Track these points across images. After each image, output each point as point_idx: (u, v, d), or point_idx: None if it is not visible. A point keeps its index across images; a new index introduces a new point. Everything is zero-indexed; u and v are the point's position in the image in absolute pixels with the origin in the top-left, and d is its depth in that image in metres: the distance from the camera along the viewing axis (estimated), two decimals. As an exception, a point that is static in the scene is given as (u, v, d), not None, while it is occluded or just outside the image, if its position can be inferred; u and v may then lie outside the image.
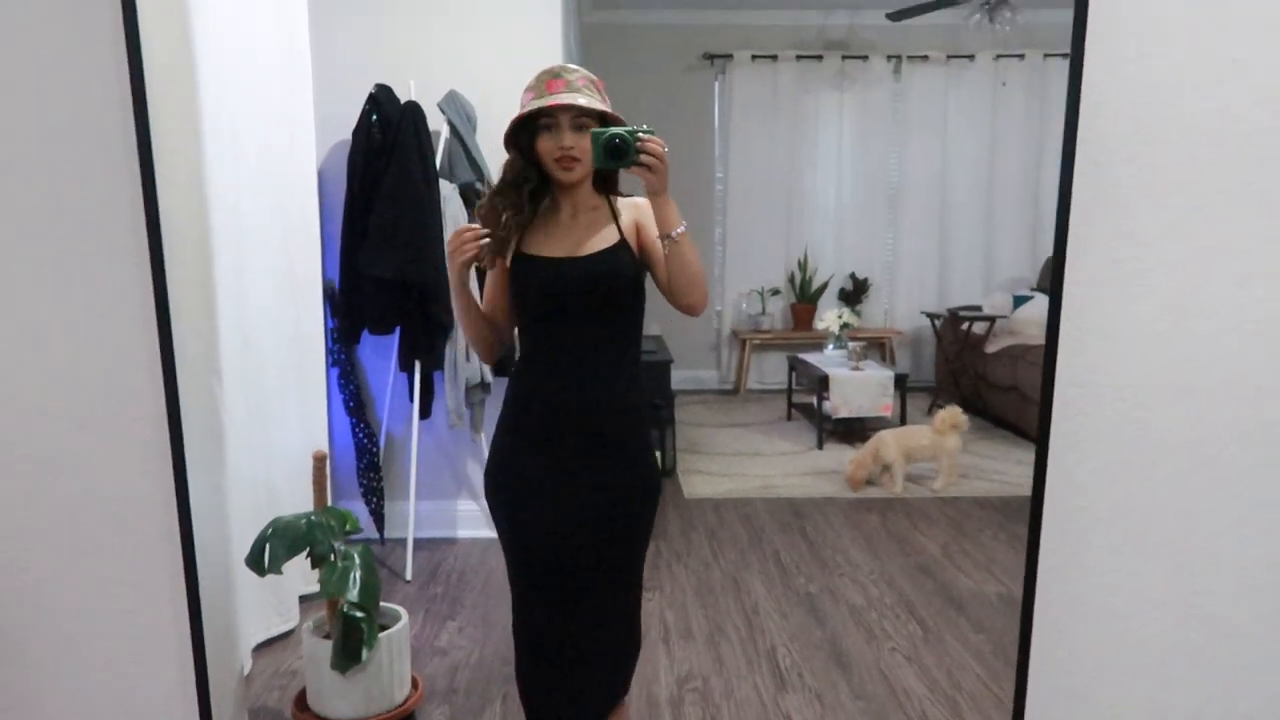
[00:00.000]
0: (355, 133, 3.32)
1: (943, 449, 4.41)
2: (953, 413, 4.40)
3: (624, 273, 1.69)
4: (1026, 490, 4.61)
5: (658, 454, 4.62)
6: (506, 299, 1.77)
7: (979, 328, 6.03)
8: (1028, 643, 1.57)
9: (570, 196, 1.72)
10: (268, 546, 1.90)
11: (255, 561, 1.90)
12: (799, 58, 7.00)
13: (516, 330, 1.82)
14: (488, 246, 1.68)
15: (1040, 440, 1.50)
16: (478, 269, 1.73)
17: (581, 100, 1.61)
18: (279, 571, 1.92)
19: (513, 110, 1.68)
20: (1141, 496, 1.58)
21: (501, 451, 1.78)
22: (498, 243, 1.69)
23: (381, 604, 2.27)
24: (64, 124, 1.59)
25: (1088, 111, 1.51)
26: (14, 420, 1.66)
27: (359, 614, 2.06)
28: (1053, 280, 1.46)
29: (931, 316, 6.50)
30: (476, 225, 1.68)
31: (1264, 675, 1.65)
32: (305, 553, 1.95)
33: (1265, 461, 1.57)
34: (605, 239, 1.70)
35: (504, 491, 1.77)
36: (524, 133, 1.67)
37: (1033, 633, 1.56)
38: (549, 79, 1.64)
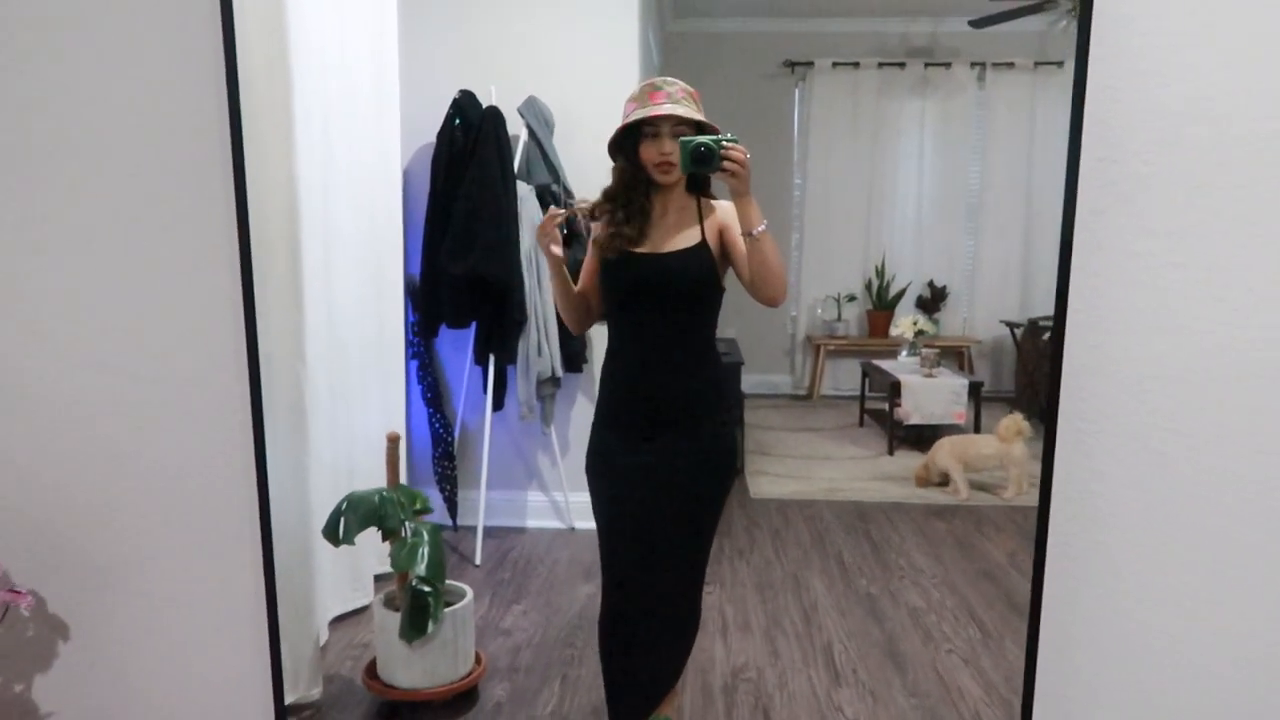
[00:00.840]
0: (439, 136, 3.47)
1: (1009, 457, 4.36)
2: (1016, 420, 4.36)
3: (698, 271, 1.90)
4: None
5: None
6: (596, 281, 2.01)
7: (1060, 338, 5.92)
8: (1034, 651, 1.58)
9: (663, 197, 1.93)
10: (343, 519, 2.04)
11: (331, 532, 2.04)
12: (880, 65, 6.97)
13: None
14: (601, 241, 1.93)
15: (1047, 439, 1.52)
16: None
17: (681, 110, 1.82)
18: (352, 542, 2.05)
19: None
20: (1155, 491, 1.59)
21: (595, 428, 2.05)
22: (622, 240, 1.90)
23: (449, 582, 2.39)
24: (164, 130, 1.75)
25: (1097, 103, 1.52)
26: (113, 397, 1.83)
27: (426, 588, 2.18)
28: (1059, 277, 1.51)
29: (1011, 326, 6.39)
30: (559, 214, 1.92)
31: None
32: (377, 526, 2.08)
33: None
34: (688, 238, 1.92)
35: (599, 470, 2.04)
36: (627, 140, 1.89)
37: (1040, 633, 1.58)
38: (651, 90, 1.85)
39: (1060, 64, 6.85)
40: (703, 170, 1.75)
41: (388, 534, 2.08)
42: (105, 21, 1.76)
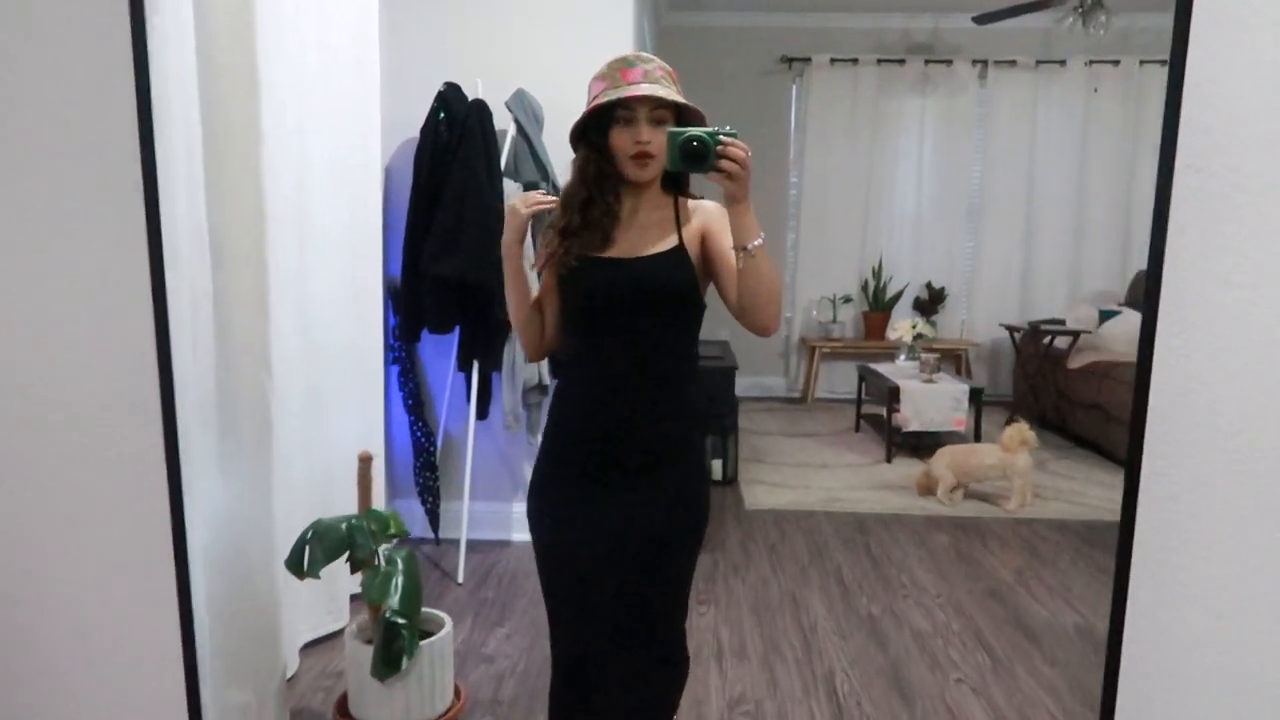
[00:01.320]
0: (423, 131, 3.31)
1: (1013, 468, 4.22)
2: (1021, 429, 4.21)
3: (673, 281, 1.57)
4: (1107, 514, 4.38)
5: (719, 463, 4.57)
6: (554, 295, 1.66)
7: (1061, 342, 5.79)
8: (1113, 690, 1.43)
9: (634, 195, 1.60)
10: (307, 549, 1.87)
11: (295, 564, 1.87)
12: (880, 61, 6.82)
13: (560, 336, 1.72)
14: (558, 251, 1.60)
15: (1129, 473, 1.35)
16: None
17: (662, 91, 1.51)
18: (317, 575, 1.89)
19: (582, 109, 1.58)
20: (1243, 533, 1.42)
21: (543, 470, 1.68)
22: (584, 243, 1.58)
23: (426, 610, 2.23)
24: (68, 121, 1.51)
25: (1190, 111, 1.35)
26: (18, 422, 1.60)
27: (400, 621, 2.01)
28: (1146, 295, 1.31)
29: (1011, 329, 6.26)
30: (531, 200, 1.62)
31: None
32: (345, 556, 1.92)
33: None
34: (663, 242, 1.59)
35: (544, 514, 1.67)
36: (594, 127, 1.55)
37: (1119, 679, 1.42)
38: (624, 67, 1.53)
39: (1063, 63, 6.72)
40: (694, 169, 1.42)
41: (357, 565, 1.92)
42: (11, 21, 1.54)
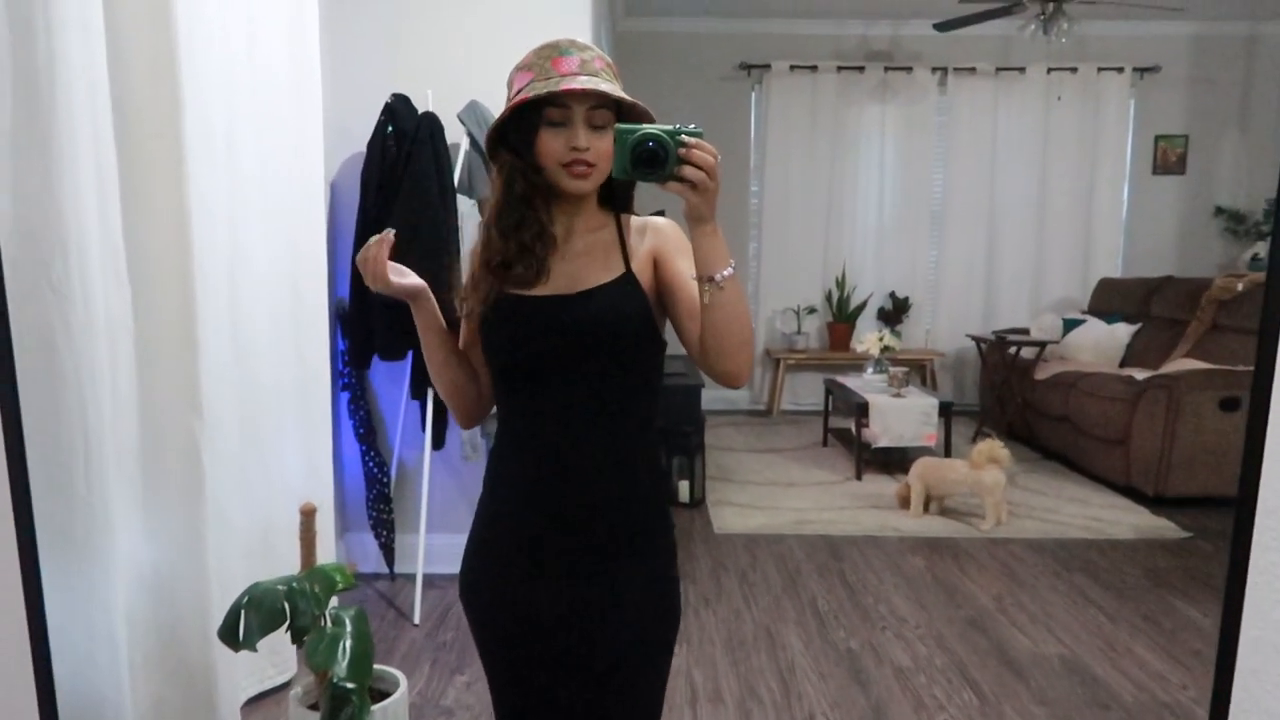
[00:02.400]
0: (369, 145, 3.12)
1: (981, 485, 4.13)
2: (990, 446, 4.12)
3: (628, 315, 1.26)
4: (1081, 532, 4.30)
5: (686, 484, 4.41)
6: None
7: (1027, 352, 5.73)
8: None
9: (567, 213, 1.30)
10: (243, 617, 1.67)
11: (229, 635, 1.68)
12: (840, 69, 6.74)
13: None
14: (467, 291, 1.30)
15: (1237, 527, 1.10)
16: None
17: (604, 86, 1.21)
18: (253, 648, 1.69)
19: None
20: None
21: (473, 552, 1.37)
22: (512, 279, 1.27)
23: (379, 667, 2.04)
24: None
25: None
26: None
27: (350, 686, 1.82)
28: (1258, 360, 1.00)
29: (976, 339, 6.20)
30: (378, 241, 1.25)
31: None
32: (285, 626, 1.73)
33: None
34: (607, 271, 1.28)
35: (472, 602, 1.37)
36: (517, 129, 1.25)
37: None
38: (555, 55, 1.23)
39: (1023, 70, 6.68)
40: (649, 178, 1.12)
41: (298, 634, 1.73)
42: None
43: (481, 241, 1.32)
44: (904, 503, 4.34)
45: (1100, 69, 6.61)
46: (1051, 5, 5.13)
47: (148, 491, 2.02)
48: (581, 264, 1.29)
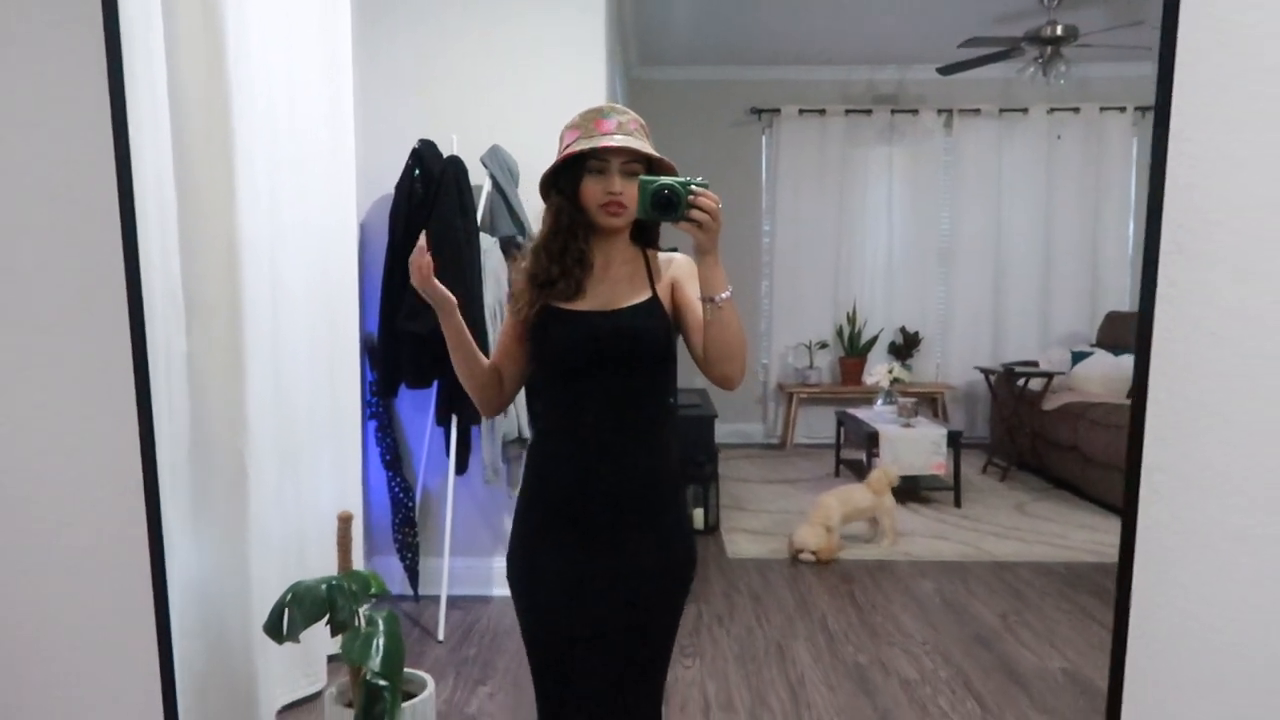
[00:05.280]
0: (398, 187, 3.32)
1: (881, 508, 4.39)
2: (887, 472, 4.45)
3: (654, 331, 1.58)
4: (1089, 556, 4.38)
5: (700, 511, 4.54)
6: (520, 350, 1.64)
7: (1036, 384, 5.84)
8: None
9: (605, 247, 1.61)
10: (287, 613, 1.83)
11: (274, 629, 1.83)
12: (848, 112, 6.95)
13: (527, 393, 1.72)
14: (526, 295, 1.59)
15: (1125, 526, 1.34)
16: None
17: (635, 143, 1.52)
18: (296, 640, 1.85)
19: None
20: (1236, 594, 1.40)
21: (520, 532, 1.66)
22: (559, 295, 1.57)
23: (408, 670, 2.18)
24: (45, 180, 1.51)
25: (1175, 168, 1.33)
26: None
27: (382, 683, 1.96)
28: (1136, 358, 1.29)
29: (986, 372, 6.31)
30: (419, 249, 1.54)
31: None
32: (325, 619, 1.88)
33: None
34: (637, 294, 1.60)
35: (524, 577, 1.65)
36: (565, 176, 1.57)
37: None
38: (598, 118, 1.56)
39: (1025, 110, 6.88)
40: (665, 218, 1.43)
41: (338, 628, 1.88)
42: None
43: (530, 261, 1.62)
44: (831, 553, 4.11)
45: (1102, 108, 6.78)
46: (1049, 49, 5.33)
47: (197, 508, 2.19)
48: (616, 288, 1.61)
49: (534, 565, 1.62)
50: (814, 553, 4.06)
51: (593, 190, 1.54)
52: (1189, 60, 1.30)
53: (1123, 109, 6.77)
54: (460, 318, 1.60)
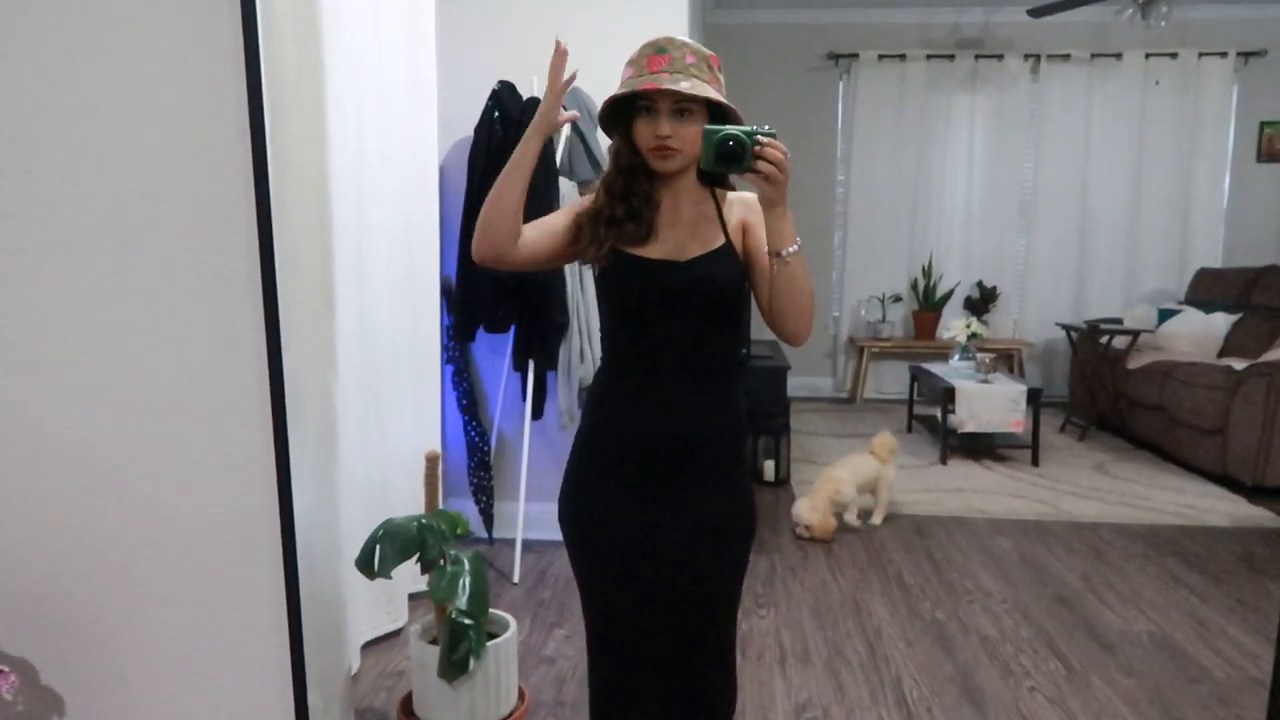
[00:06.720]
0: (477, 129, 3.29)
1: (885, 478, 4.04)
2: (889, 439, 4.09)
3: (728, 281, 1.50)
4: (1174, 519, 4.27)
5: (771, 463, 4.51)
6: (548, 242, 1.54)
7: (1119, 342, 5.65)
8: None
9: (671, 189, 1.51)
10: (378, 549, 1.85)
11: (365, 564, 1.85)
12: (929, 57, 6.72)
13: (601, 333, 1.64)
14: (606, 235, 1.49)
15: None
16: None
17: (684, 85, 1.40)
18: (389, 576, 1.87)
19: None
20: None
21: (577, 476, 1.58)
22: (627, 238, 1.49)
23: (490, 611, 2.20)
24: (178, 132, 1.57)
25: None
26: (118, 430, 1.64)
27: (468, 621, 1.99)
28: None
29: (1068, 329, 6.12)
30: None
31: None
32: (415, 557, 1.90)
33: None
34: (709, 241, 1.52)
35: (580, 524, 1.58)
36: (619, 116, 1.49)
37: None
38: (651, 53, 1.44)
39: (1119, 56, 6.57)
40: (730, 170, 1.37)
41: (428, 565, 1.90)
42: (120, 17, 1.57)
43: (595, 196, 1.55)
44: (830, 533, 3.78)
45: (1202, 54, 6.45)
46: (1151, -12, 5.05)
47: (290, 443, 2.21)
48: (687, 233, 1.52)
49: (592, 512, 1.56)
50: (808, 528, 3.75)
51: (643, 133, 1.45)
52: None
53: (1224, 54, 6.43)
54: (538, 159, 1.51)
